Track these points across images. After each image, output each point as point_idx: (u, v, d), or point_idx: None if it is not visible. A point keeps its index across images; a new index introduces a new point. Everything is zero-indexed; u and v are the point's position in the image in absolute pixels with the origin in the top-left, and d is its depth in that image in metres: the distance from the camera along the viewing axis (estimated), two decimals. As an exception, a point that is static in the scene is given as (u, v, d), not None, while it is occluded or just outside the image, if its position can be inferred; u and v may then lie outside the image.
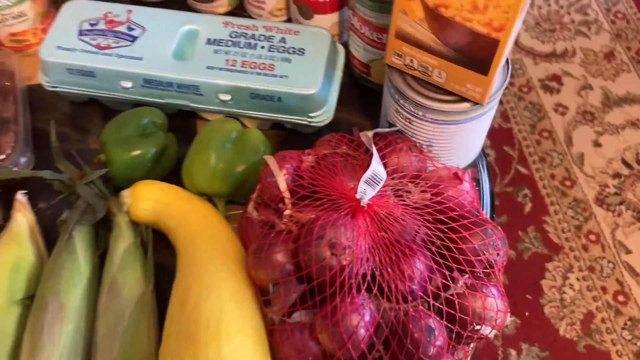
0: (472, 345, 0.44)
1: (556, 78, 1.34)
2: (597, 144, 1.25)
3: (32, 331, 0.44)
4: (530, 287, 1.04)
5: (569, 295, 1.05)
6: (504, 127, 1.27)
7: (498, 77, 0.46)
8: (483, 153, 0.59)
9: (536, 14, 1.46)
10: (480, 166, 0.59)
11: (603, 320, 1.03)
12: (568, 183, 1.19)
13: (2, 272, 0.46)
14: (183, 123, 0.59)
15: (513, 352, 0.98)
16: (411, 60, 0.46)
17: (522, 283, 1.05)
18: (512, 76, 1.36)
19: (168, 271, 0.48)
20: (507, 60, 0.47)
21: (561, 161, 1.22)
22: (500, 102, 1.20)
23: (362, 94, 0.61)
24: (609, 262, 1.10)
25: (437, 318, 0.41)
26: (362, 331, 0.40)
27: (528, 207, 1.15)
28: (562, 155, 1.23)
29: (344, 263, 0.41)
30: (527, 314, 1.01)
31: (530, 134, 1.26)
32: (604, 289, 1.07)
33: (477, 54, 0.43)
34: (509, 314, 0.44)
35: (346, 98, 0.58)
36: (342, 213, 0.43)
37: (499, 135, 1.26)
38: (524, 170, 1.21)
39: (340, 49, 0.58)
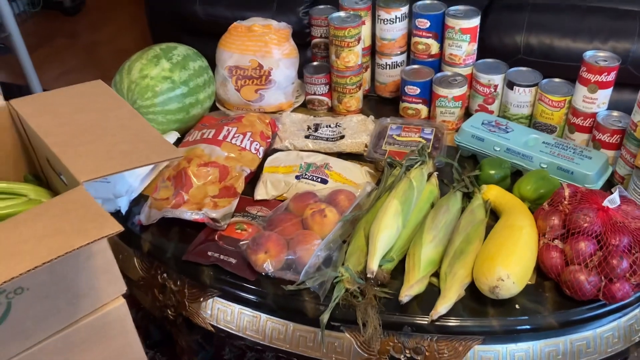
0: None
1: None
2: None
3: (433, 215, 0.97)
4: None
5: None
6: None
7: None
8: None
9: None
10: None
11: None
12: None
13: (424, 193, 1.01)
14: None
15: None
16: (648, 163, 0.93)
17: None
18: None
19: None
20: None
21: None
22: None
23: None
24: None
25: (627, 258, 0.83)
26: (588, 250, 0.84)
27: None
28: None
29: (586, 225, 0.86)
30: None
31: None
32: None
33: (681, 161, 0.88)
34: (664, 277, 0.83)
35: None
36: (593, 208, 0.89)
37: None
38: None
39: (610, 167, 1.06)
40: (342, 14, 1.26)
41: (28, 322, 0.76)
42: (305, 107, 1.36)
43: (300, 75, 1.35)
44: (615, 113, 1.09)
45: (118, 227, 0.65)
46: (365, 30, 1.30)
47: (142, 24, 3.39)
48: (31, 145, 0.94)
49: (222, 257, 0.94)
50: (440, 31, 1.25)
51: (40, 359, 0.80)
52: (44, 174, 0.97)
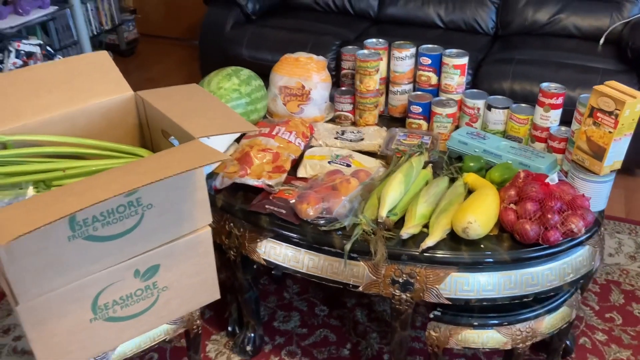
0: (567, 232, 1.18)
1: None
2: None
3: (426, 188, 1.32)
4: None
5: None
6: None
7: (607, 169, 1.25)
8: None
9: None
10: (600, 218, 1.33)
11: None
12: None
13: (420, 175, 1.37)
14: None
15: None
16: (577, 157, 1.29)
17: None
18: None
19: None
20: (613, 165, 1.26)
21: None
22: None
23: (562, 186, 1.42)
24: None
25: (559, 215, 1.18)
26: (532, 209, 1.19)
27: None
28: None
29: (532, 193, 1.22)
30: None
31: None
32: None
33: (599, 152, 1.24)
34: (584, 228, 1.17)
35: (554, 183, 1.40)
36: (538, 183, 1.24)
37: None
38: None
39: (558, 166, 1.42)
40: (366, 51, 1.66)
41: (150, 230, 1.12)
42: (333, 121, 1.74)
43: (331, 97, 1.74)
44: (563, 128, 1.45)
45: (225, 157, 1.02)
46: (382, 65, 1.70)
47: (189, 66, 3.86)
48: (147, 123, 1.32)
49: (275, 208, 1.30)
50: (438, 67, 1.64)
51: (155, 259, 1.15)
52: (152, 145, 1.35)
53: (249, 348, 1.57)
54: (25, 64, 2.48)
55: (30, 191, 1.11)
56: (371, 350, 1.61)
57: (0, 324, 1.71)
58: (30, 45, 2.48)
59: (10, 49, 2.41)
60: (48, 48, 2.56)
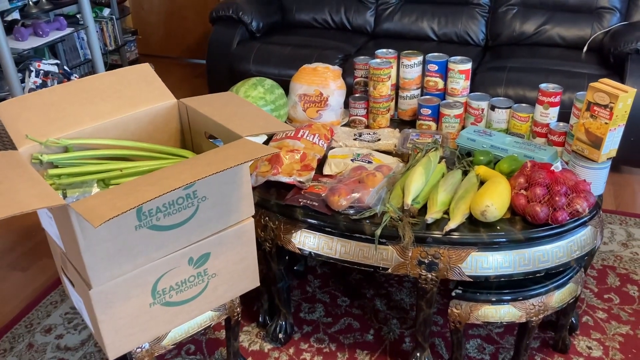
0: (573, 212, 1.31)
1: None
2: None
3: (444, 179, 1.45)
4: None
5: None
6: None
7: (604, 156, 1.39)
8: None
9: None
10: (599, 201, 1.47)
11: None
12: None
13: (436, 169, 1.51)
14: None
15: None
16: (577, 147, 1.43)
17: None
18: None
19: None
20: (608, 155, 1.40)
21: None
22: None
23: (562, 175, 1.56)
24: None
25: (565, 197, 1.32)
26: (541, 193, 1.32)
27: None
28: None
29: (540, 179, 1.35)
30: None
31: None
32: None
33: (597, 142, 1.38)
34: (587, 209, 1.31)
35: (556, 173, 1.54)
36: (545, 170, 1.38)
37: None
38: None
39: (559, 158, 1.56)
40: (378, 60, 1.80)
41: (204, 221, 1.24)
42: (348, 125, 1.87)
43: (345, 103, 1.87)
44: (561, 123, 1.60)
45: (275, 150, 1.14)
46: (392, 72, 1.84)
47: (190, 83, 3.98)
48: (189, 127, 1.44)
49: (308, 201, 1.42)
50: (444, 72, 1.78)
51: (207, 247, 1.26)
52: (193, 147, 1.46)
53: (281, 335, 1.68)
54: (44, 82, 2.59)
55: (95, 188, 1.22)
56: (393, 335, 1.73)
57: (42, 324, 1.80)
58: (49, 65, 2.59)
59: (32, 68, 2.51)
60: (65, 67, 2.67)
